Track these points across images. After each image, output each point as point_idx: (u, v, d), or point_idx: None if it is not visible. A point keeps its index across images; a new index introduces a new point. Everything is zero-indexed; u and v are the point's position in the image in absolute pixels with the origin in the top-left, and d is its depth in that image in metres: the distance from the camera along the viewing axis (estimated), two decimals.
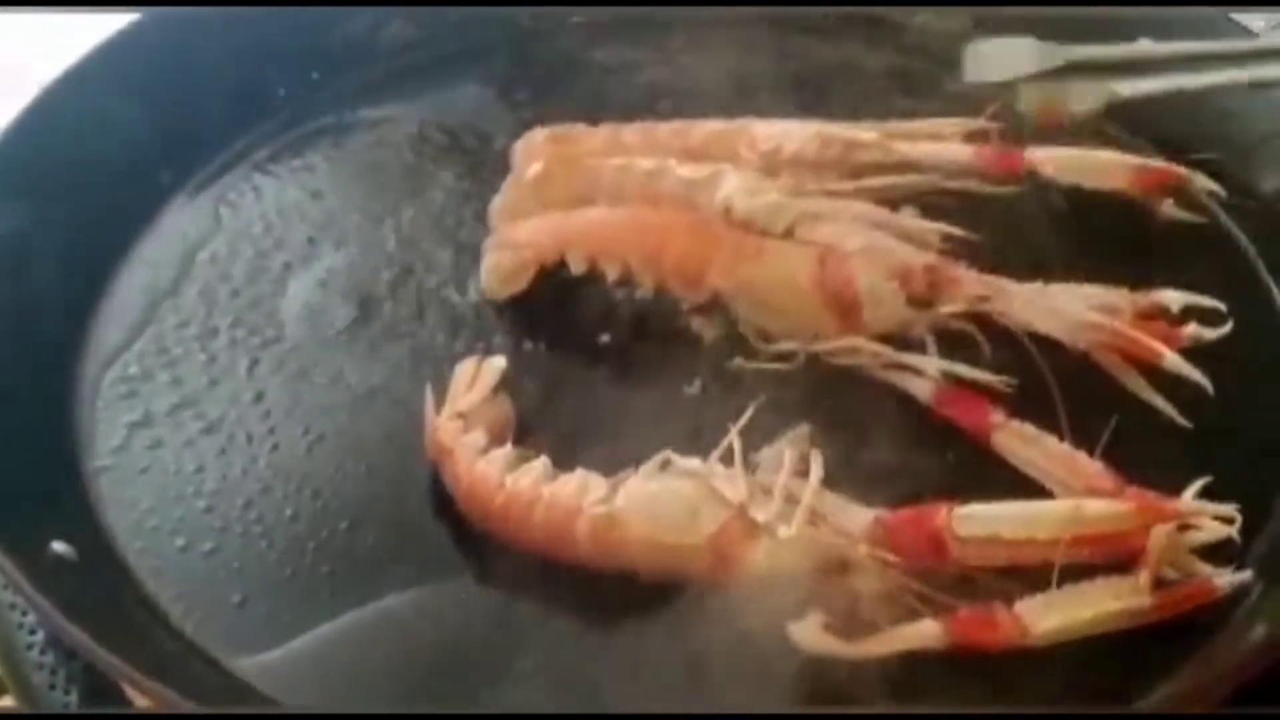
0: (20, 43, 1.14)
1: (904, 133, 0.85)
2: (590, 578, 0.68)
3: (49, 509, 0.71)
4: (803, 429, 0.71)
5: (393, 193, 0.91)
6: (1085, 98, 0.86)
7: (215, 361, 0.80)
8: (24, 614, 0.71)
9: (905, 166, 0.82)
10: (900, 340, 0.76)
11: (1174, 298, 0.75)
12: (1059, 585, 0.63)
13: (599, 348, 0.80)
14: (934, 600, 0.64)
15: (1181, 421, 0.73)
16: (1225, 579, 0.65)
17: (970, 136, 0.85)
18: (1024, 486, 0.69)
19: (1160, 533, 0.64)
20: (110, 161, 0.88)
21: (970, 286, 0.74)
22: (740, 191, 0.80)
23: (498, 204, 0.86)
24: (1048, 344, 0.73)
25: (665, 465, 0.69)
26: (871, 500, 0.68)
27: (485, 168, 0.91)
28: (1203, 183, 0.83)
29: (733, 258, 0.78)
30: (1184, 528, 0.65)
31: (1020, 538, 0.64)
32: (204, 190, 0.91)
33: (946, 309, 0.75)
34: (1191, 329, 0.74)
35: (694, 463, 0.69)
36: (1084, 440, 0.69)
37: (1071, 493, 0.68)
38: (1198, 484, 0.66)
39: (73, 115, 0.88)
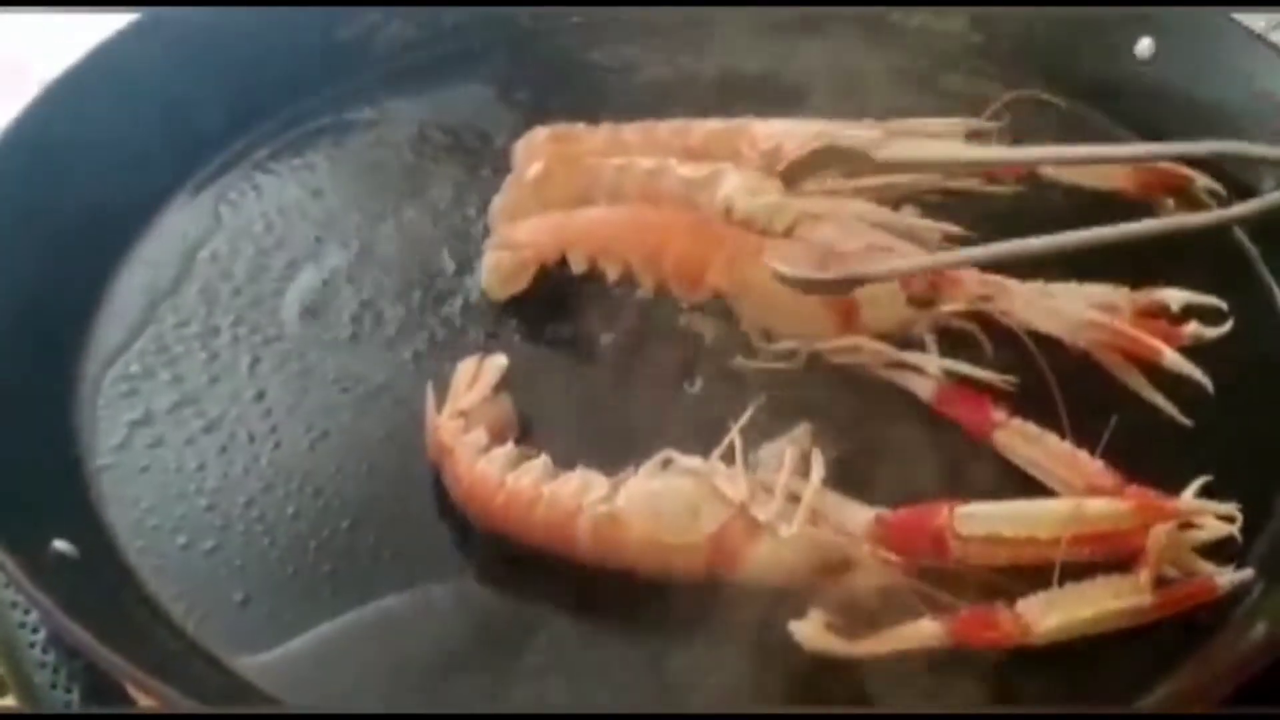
0: (20, 43, 1.14)
1: (904, 132, 0.85)
2: (591, 577, 0.68)
3: (50, 507, 0.71)
4: (804, 428, 0.71)
5: (393, 192, 0.91)
6: None
7: (216, 360, 0.80)
8: (25, 612, 0.71)
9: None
10: (901, 340, 0.76)
11: (1174, 296, 0.75)
12: (1060, 584, 0.63)
13: (600, 346, 0.80)
14: (935, 599, 0.64)
15: (1182, 420, 0.73)
16: (1226, 578, 0.65)
17: (970, 136, 0.85)
18: (1025, 486, 0.69)
19: (1160, 532, 0.64)
20: (110, 161, 0.88)
21: (971, 286, 0.74)
22: (741, 191, 0.80)
23: (498, 203, 0.86)
24: (1048, 344, 0.73)
25: (666, 464, 0.69)
26: (872, 499, 0.68)
27: (485, 167, 0.91)
28: (1204, 182, 0.83)
29: (733, 257, 0.77)
30: (1185, 526, 0.65)
31: (1021, 537, 0.65)
32: (204, 189, 0.91)
33: (947, 309, 0.75)
34: (1192, 327, 0.74)
35: (695, 461, 0.69)
36: (1085, 439, 0.69)
37: (1072, 491, 0.68)
38: (1197, 483, 0.66)
39: (73, 115, 0.87)
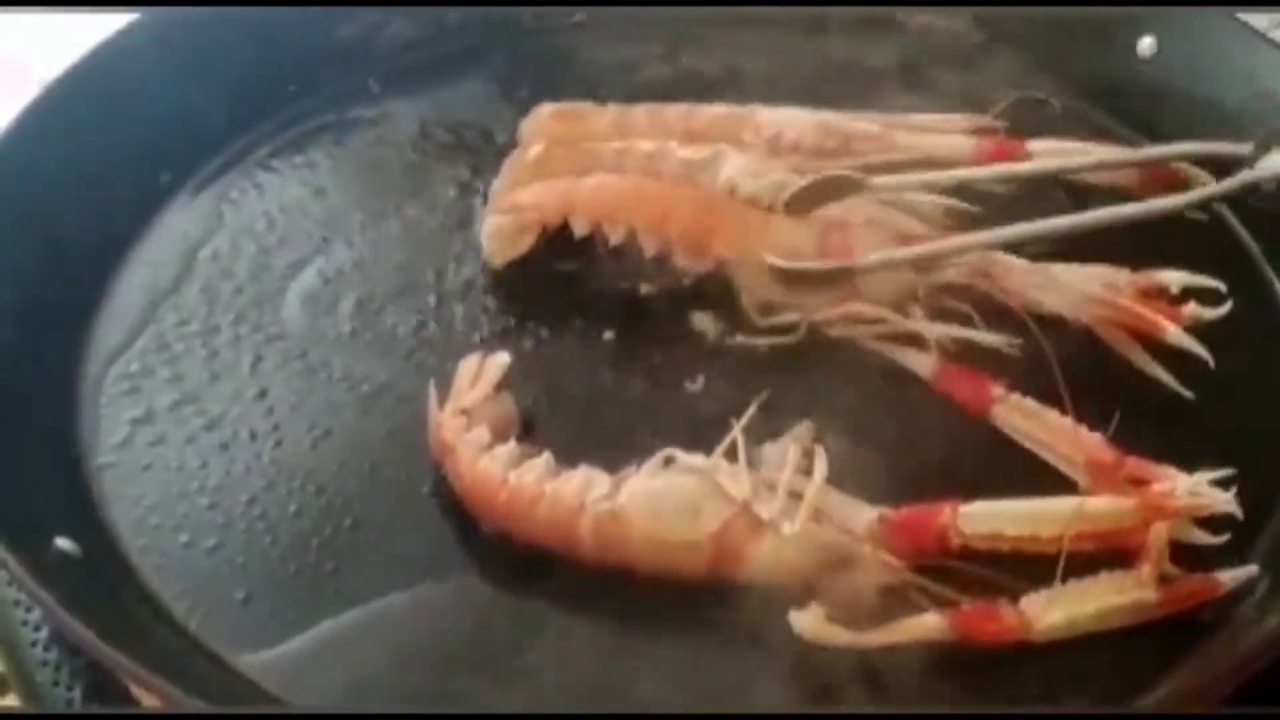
0: (20, 43, 1.14)
1: (906, 126, 0.85)
2: (593, 575, 0.68)
3: (52, 505, 0.71)
4: (806, 426, 0.71)
5: (395, 190, 0.91)
6: None
7: (218, 358, 0.80)
8: (27, 610, 0.71)
9: (906, 157, 0.82)
10: (901, 314, 0.76)
11: (1173, 278, 0.75)
12: (1063, 580, 0.63)
13: (602, 344, 0.80)
14: (938, 596, 0.64)
15: (1185, 393, 0.74)
16: (1230, 574, 0.65)
17: (973, 132, 0.85)
18: (1027, 483, 0.69)
19: (1162, 528, 0.64)
20: (111, 161, 0.88)
21: (971, 255, 0.75)
22: (744, 172, 0.80)
23: (497, 185, 0.86)
24: (1047, 326, 0.73)
25: (668, 462, 0.69)
26: (875, 497, 0.68)
27: (487, 165, 0.91)
28: (1205, 179, 0.83)
29: (738, 229, 0.78)
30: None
31: (1024, 535, 0.65)
32: (206, 188, 0.91)
33: (947, 276, 0.75)
34: (1191, 308, 0.74)
35: (697, 459, 0.69)
36: (1085, 420, 0.69)
37: (1072, 466, 0.69)
38: (1198, 476, 0.66)
39: (73, 115, 0.87)
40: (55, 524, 0.68)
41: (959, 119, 0.86)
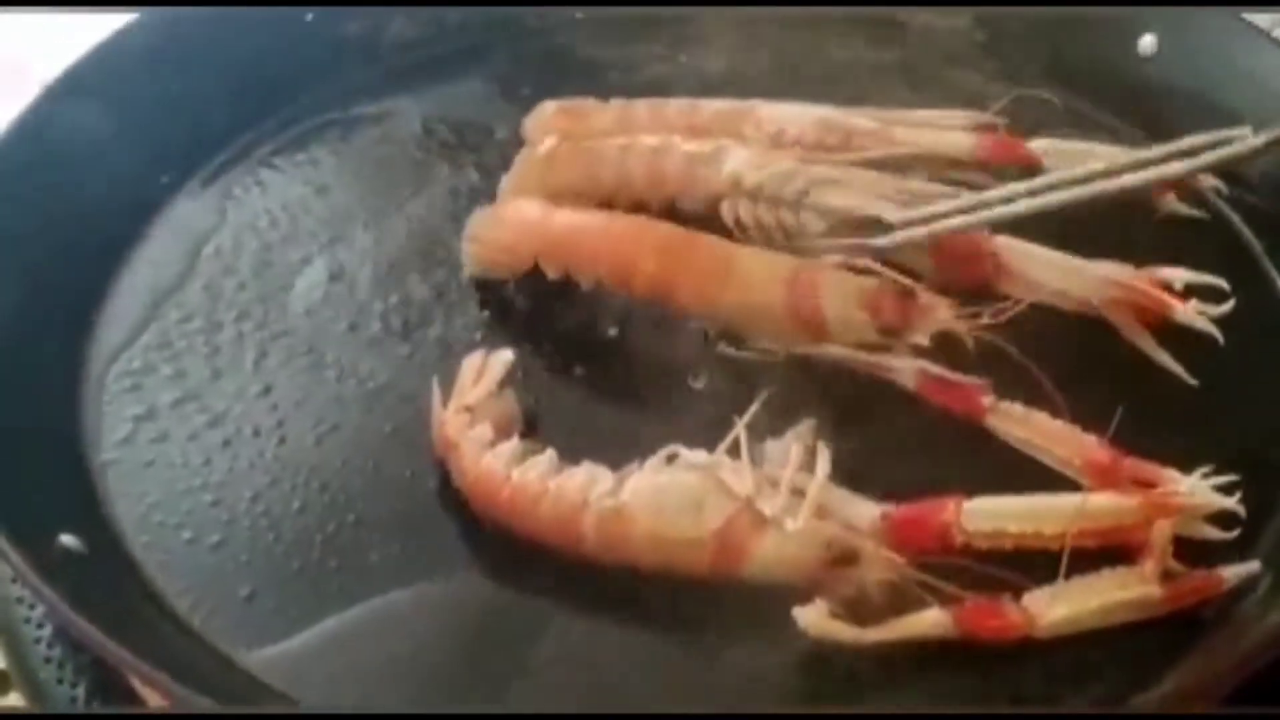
0: (20, 43, 1.14)
1: (906, 122, 0.85)
2: (597, 571, 0.68)
3: (56, 502, 0.71)
4: (809, 422, 0.71)
5: (398, 187, 0.91)
6: None
7: (221, 355, 0.80)
8: (31, 607, 0.71)
9: (907, 152, 0.83)
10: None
11: (1176, 274, 0.76)
12: (1066, 577, 0.63)
13: (605, 341, 0.80)
14: (941, 592, 0.64)
15: (1191, 381, 0.74)
16: (1232, 571, 0.65)
17: (973, 129, 0.85)
18: (1029, 478, 0.69)
19: (1165, 524, 0.64)
20: (113, 159, 0.88)
21: (943, 314, 0.74)
22: (748, 164, 0.80)
23: (507, 183, 0.86)
24: (1042, 326, 0.73)
25: (672, 459, 0.69)
26: (878, 493, 0.68)
27: (490, 162, 0.91)
28: (1206, 178, 0.83)
29: (700, 279, 0.77)
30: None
31: (1027, 532, 0.65)
32: (209, 185, 0.91)
33: (918, 339, 0.74)
34: (1194, 304, 0.75)
35: (700, 456, 0.69)
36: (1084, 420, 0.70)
37: (1070, 467, 0.69)
38: (1199, 474, 0.66)
39: (73, 115, 0.87)
40: (59, 521, 0.68)
41: (959, 115, 0.86)
